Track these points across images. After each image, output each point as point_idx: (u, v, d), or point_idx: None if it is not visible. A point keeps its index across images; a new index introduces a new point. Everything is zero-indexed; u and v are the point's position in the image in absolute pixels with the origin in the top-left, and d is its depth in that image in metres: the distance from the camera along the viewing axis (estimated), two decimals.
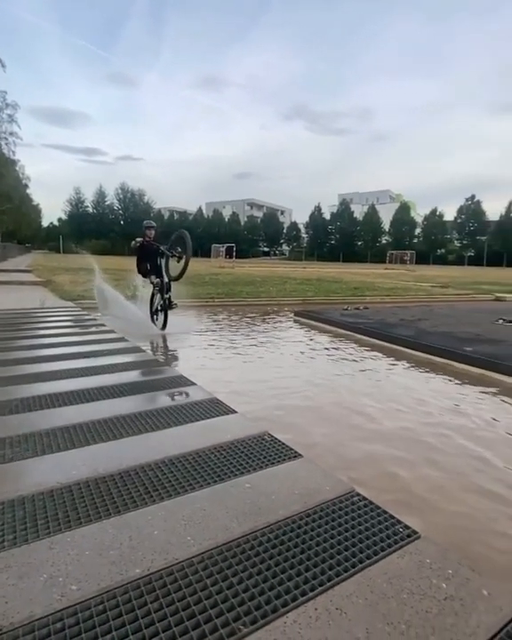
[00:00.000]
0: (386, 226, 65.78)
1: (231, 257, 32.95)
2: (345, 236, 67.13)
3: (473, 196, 62.09)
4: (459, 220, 62.13)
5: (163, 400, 2.95)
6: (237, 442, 2.27)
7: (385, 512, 1.67)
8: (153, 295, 6.55)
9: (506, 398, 3.86)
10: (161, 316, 6.39)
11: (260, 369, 4.79)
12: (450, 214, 63.32)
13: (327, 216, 71.23)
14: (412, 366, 4.91)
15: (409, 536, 1.52)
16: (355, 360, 5.21)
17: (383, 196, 77.51)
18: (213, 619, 1.15)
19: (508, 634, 1.13)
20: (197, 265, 21.63)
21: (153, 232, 6.27)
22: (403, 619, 1.16)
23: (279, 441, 2.30)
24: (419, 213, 68.70)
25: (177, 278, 6.14)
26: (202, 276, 15.66)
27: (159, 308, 6.44)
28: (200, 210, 75.10)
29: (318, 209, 71.61)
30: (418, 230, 64.86)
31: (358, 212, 69.07)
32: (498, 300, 13.57)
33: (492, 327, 6.95)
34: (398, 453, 2.70)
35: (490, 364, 4.44)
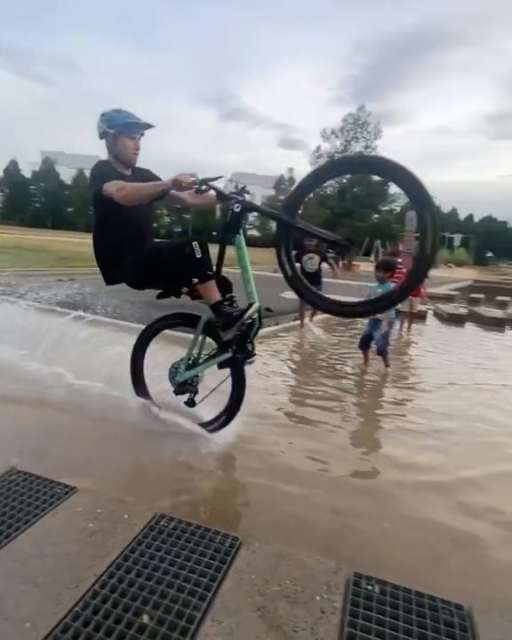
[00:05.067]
0: None
1: None
2: (52, 200, 60.00)
3: None
4: None
5: None
6: None
7: (45, 479, 1.66)
8: (153, 328, 2.56)
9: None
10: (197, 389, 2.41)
11: None
12: None
13: (28, 174, 61.47)
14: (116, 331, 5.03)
15: (66, 493, 1.58)
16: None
17: (93, 162, 73.39)
18: None
19: (139, 542, 1.37)
20: None
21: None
22: (39, 573, 1.20)
23: None
24: None
25: (408, 291, 1.97)
26: None
27: (199, 365, 2.35)
28: None
29: (15, 164, 60.68)
30: None
31: (66, 174, 62.78)
32: None
33: None
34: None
35: None
